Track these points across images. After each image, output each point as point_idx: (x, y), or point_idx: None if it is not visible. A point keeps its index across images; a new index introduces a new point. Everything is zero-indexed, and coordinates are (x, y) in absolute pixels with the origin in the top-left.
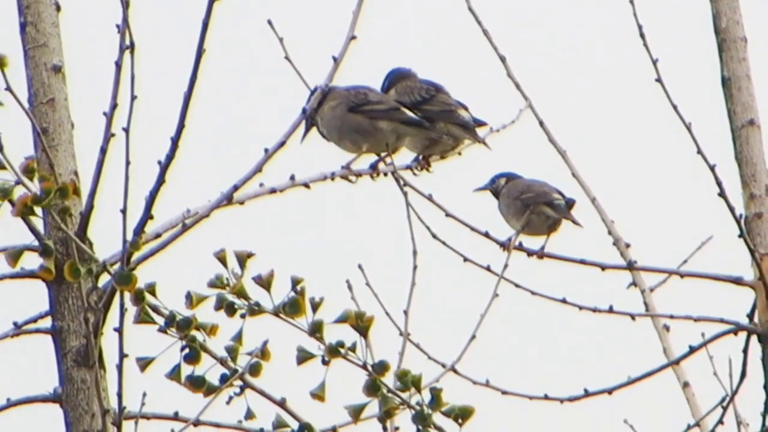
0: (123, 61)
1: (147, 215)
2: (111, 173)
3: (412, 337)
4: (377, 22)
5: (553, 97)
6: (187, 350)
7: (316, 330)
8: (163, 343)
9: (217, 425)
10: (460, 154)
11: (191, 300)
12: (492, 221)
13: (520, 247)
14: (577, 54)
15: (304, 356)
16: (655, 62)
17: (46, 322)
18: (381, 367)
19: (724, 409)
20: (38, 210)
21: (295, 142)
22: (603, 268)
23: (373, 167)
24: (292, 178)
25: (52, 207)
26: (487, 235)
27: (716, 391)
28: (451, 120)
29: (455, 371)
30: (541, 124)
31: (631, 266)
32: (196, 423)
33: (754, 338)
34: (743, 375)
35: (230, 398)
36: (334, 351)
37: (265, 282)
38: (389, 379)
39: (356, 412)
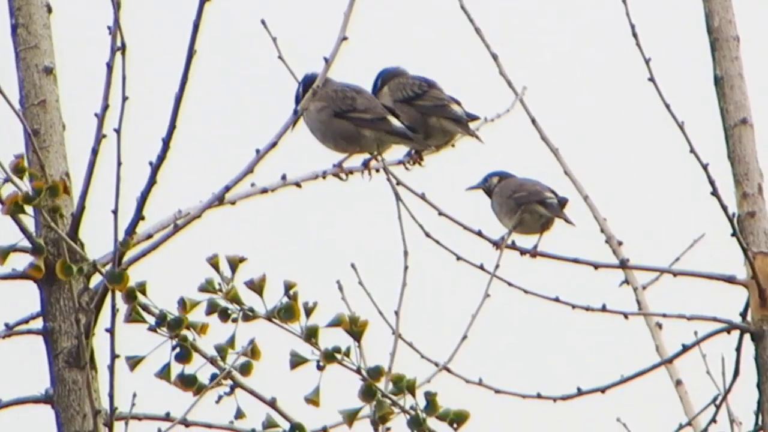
0: (114, 63)
1: (138, 216)
2: (102, 174)
3: (404, 336)
4: (369, 21)
5: (546, 95)
6: (178, 349)
7: (311, 335)
8: (154, 343)
9: (208, 425)
10: (453, 146)
11: (184, 305)
12: (485, 220)
13: (512, 246)
14: (570, 53)
15: (297, 361)
16: (647, 61)
17: (38, 323)
18: (376, 372)
19: (717, 407)
20: (29, 210)
21: (286, 142)
22: (596, 266)
23: (365, 165)
24: (284, 177)
25: (43, 206)
26: (480, 233)
27: (709, 389)
28: (444, 114)
29: (448, 370)
30: (534, 121)
31: (623, 264)
32: (187, 423)
33: (747, 337)
34: (736, 373)
35: (220, 398)
36: (330, 357)
37: (257, 286)
38: (382, 383)
39: (351, 417)
